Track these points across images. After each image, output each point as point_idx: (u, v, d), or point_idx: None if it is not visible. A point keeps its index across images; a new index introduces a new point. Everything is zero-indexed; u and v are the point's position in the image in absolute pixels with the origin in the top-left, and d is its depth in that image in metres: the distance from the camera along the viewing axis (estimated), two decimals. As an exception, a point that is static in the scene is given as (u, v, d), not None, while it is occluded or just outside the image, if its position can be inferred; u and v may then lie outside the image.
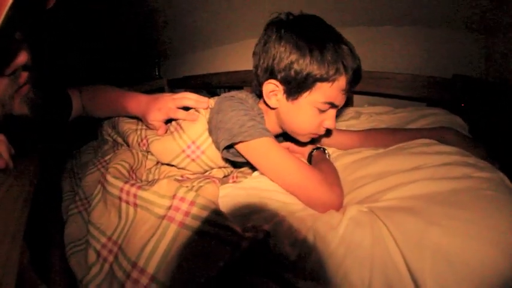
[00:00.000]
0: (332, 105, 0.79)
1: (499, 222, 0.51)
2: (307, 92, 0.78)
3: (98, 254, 0.69)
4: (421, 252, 0.50)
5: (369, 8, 1.39)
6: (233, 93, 0.90)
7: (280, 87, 0.80)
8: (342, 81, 0.76)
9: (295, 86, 0.78)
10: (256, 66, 0.85)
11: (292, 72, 0.76)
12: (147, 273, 0.57)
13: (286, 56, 0.76)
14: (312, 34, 0.76)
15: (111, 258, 0.67)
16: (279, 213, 0.66)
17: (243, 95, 0.90)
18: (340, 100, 0.79)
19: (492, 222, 0.51)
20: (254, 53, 0.85)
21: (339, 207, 0.70)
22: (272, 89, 0.82)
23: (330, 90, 0.76)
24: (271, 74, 0.80)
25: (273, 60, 0.78)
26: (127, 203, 0.71)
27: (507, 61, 1.11)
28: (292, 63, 0.75)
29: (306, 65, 0.74)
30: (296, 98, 0.79)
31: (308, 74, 0.75)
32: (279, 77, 0.79)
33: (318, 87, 0.76)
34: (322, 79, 0.75)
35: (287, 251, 0.57)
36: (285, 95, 0.81)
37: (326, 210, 0.68)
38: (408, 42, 1.42)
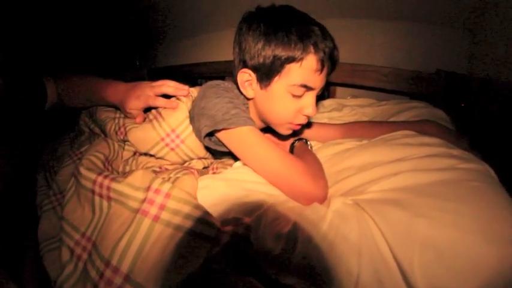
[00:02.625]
0: (306, 87, 0.76)
1: (488, 213, 0.50)
2: (277, 76, 0.75)
3: (72, 251, 0.64)
4: (409, 245, 0.48)
5: (354, 0, 1.39)
6: (218, 81, 0.87)
7: (253, 76, 0.79)
8: (311, 60, 0.73)
9: (266, 72, 0.76)
10: (233, 60, 0.84)
11: (261, 58, 0.75)
12: (121, 272, 0.53)
13: (254, 43, 0.76)
14: (279, 20, 0.75)
15: (85, 256, 0.62)
16: (261, 205, 0.62)
17: (229, 84, 0.87)
18: (314, 82, 0.76)
19: (481, 214, 0.49)
20: (233, 48, 0.84)
21: (323, 199, 0.67)
22: (246, 78, 0.81)
23: (301, 71, 0.73)
24: (243, 63, 0.80)
25: (244, 50, 0.79)
26: (100, 196, 0.66)
27: (490, 57, 1.12)
28: (259, 49, 0.75)
29: (272, 49, 0.73)
30: (268, 84, 0.77)
31: (275, 57, 0.73)
32: (249, 65, 0.78)
33: (287, 69, 0.74)
34: (289, 59, 0.73)
35: (270, 245, 0.53)
36: (258, 84, 0.79)
37: (310, 203, 0.65)
38: (393, 36, 1.43)
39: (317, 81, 0.76)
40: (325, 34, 0.74)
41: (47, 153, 1.10)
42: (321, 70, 0.74)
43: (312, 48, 0.72)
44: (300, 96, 0.77)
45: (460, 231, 0.47)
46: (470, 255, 0.44)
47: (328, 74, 0.79)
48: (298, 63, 0.73)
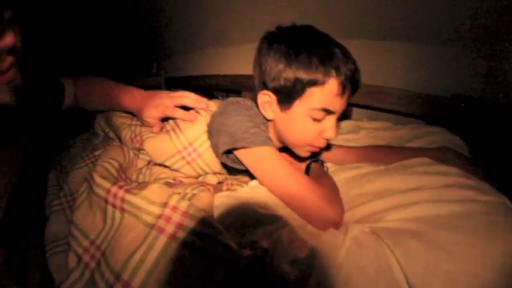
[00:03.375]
0: (327, 111, 0.74)
1: (505, 248, 0.49)
2: (299, 100, 0.74)
3: (79, 258, 0.63)
4: (428, 279, 0.47)
5: (373, 22, 1.39)
6: (239, 99, 0.86)
7: (273, 98, 0.78)
8: (333, 84, 0.71)
9: (286, 95, 0.75)
10: (253, 79, 0.83)
11: (282, 81, 0.74)
12: (132, 287, 0.52)
13: (274, 65, 0.75)
14: (301, 41, 0.74)
15: (92, 264, 0.61)
16: (278, 228, 0.61)
17: (249, 102, 0.86)
18: (335, 106, 0.74)
19: (498, 249, 0.49)
20: (253, 67, 0.83)
21: (339, 224, 0.66)
22: (266, 100, 0.79)
23: (322, 95, 0.72)
24: (264, 85, 0.79)
25: (264, 71, 0.77)
26: (113, 206, 0.65)
27: (506, 83, 1.12)
28: (280, 71, 0.74)
29: (293, 71, 0.72)
30: (289, 108, 0.76)
31: (296, 80, 0.72)
32: (270, 87, 0.76)
33: (308, 93, 0.73)
34: (311, 83, 0.71)
35: (286, 270, 0.52)
36: (278, 106, 0.78)
37: (325, 227, 0.64)
38: (410, 58, 1.43)
39: (338, 104, 0.75)
40: (347, 56, 0.73)
41: (60, 153, 1.10)
42: (343, 94, 0.73)
43: (333, 72, 0.71)
44: (320, 120, 0.76)
45: (480, 268, 0.47)
46: None
47: (350, 97, 0.78)
48: (320, 87, 0.71)
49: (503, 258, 0.47)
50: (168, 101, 0.85)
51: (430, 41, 1.36)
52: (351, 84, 0.74)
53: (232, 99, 0.85)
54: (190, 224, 0.55)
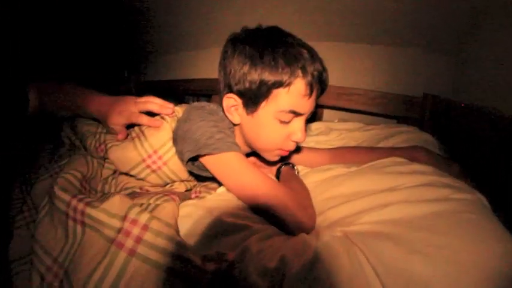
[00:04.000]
0: (295, 113, 0.73)
1: (484, 248, 0.48)
2: (265, 102, 0.72)
3: (42, 278, 0.60)
4: (403, 284, 0.46)
5: (343, 25, 1.42)
6: (204, 103, 0.84)
7: (239, 101, 0.76)
8: (299, 85, 0.70)
9: (252, 98, 0.73)
10: (219, 83, 0.81)
11: (247, 83, 0.72)
12: (93, 308, 0.49)
13: (239, 67, 0.73)
14: (265, 42, 0.72)
15: (56, 284, 0.58)
16: (246, 237, 0.59)
17: (214, 106, 0.84)
18: (303, 107, 0.73)
19: (477, 249, 0.48)
20: (218, 70, 0.81)
21: (311, 229, 0.65)
22: (232, 103, 0.78)
23: (288, 97, 0.71)
24: (229, 88, 0.77)
25: (229, 74, 0.75)
26: (74, 220, 0.62)
27: (475, 82, 1.16)
28: (245, 74, 0.72)
29: (258, 73, 0.70)
30: (255, 110, 0.74)
31: (261, 82, 0.70)
32: (235, 90, 0.75)
33: (274, 94, 0.71)
34: (276, 85, 0.70)
35: (256, 281, 0.50)
36: (244, 109, 0.76)
37: (297, 232, 0.62)
38: (381, 60, 1.48)
39: (306, 106, 0.74)
40: (313, 56, 0.72)
41: (24, 164, 1.05)
42: (310, 94, 0.72)
43: (300, 72, 0.69)
44: (288, 122, 0.74)
45: (457, 269, 0.46)
46: None
47: (318, 98, 0.77)
48: (286, 88, 0.70)
49: (482, 258, 0.47)
50: (133, 107, 0.83)
51: (400, 43, 1.40)
52: (319, 85, 0.73)
53: (197, 104, 0.83)
54: (150, 238, 0.53)
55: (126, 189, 0.81)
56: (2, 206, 0.87)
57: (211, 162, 0.73)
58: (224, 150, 0.70)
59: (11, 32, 1.41)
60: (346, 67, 1.49)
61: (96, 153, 0.83)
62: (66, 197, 0.64)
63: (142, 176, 0.80)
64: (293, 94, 0.70)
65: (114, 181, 0.83)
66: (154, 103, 0.83)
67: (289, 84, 0.70)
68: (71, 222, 0.63)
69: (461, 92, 1.25)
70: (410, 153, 0.84)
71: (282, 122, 0.74)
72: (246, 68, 0.71)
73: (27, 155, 1.09)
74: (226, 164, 0.71)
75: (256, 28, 0.78)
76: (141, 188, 0.81)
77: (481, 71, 1.12)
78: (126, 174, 0.82)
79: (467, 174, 0.78)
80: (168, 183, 0.86)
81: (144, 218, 0.55)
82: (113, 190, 0.82)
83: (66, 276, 0.57)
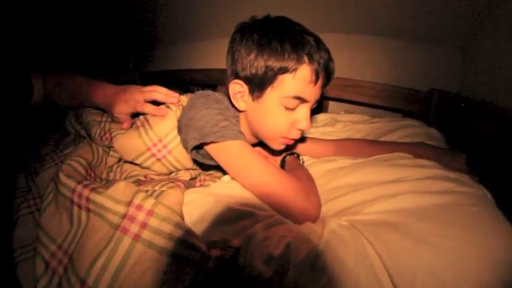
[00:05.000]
0: (300, 99, 0.73)
1: (489, 240, 0.49)
2: (270, 88, 0.72)
3: (47, 264, 0.60)
4: (410, 273, 0.46)
5: (350, 17, 1.41)
6: (209, 92, 0.84)
7: (245, 87, 0.76)
8: (305, 71, 0.70)
9: (258, 83, 0.73)
10: (226, 70, 0.81)
11: (253, 69, 0.72)
12: (96, 294, 0.49)
13: (246, 54, 0.73)
14: (273, 30, 0.72)
15: (60, 270, 0.58)
16: (251, 224, 0.59)
17: (219, 95, 0.84)
18: (308, 94, 0.73)
19: (482, 241, 0.48)
20: (226, 58, 0.81)
21: (316, 218, 0.65)
22: (238, 90, 0.78)
23: (294, 82, 0.71)
24: (235, 74, 0.77)
25: (236, 61, 0.76)
26: (79, 206, 0.62)
27: (483, 77, 1.14)
28: (251, 60, 0.72)
29: (264, 59, 0.71)
30: (260, 96, 0.74)
31: (267, 68, 0.70)
32: (241, 76, 0.75)
33: (280, 80, 0.71)
34: (282, 70, 0.70)
35: (261, 269, 0.50)
36: (250, 95, 0.76)
37: (302, 221, 0.62)
38: (388, 53, 1.46)
39: (311, 93, 0.73)
40: (320, 45, 0.72)
41: (30, 153, 1.06)
42: (316, 82, 0.72)
43: (306, 59, 0.69)
44: (293, 109, 0.74)
45: (463, 260, 0.46)
46: (472, 283, 0.43)
47: (324, 87, 0.76)
48: (292, 74, 0.70)
49: (486, 249, 0.47)
50: (138, 96, 0.82)
51: (408, 37, 1.38)
52: (325, 73, 0.73)
53: (202, 92, 0.82)
54: (155, 223, 0.53)
55: (131, 177, 0.81)
56: (7, 195, 0.87)
57: (216, 150, 0.72)
58: (229, 138, 0.70)
59: (15, 22, 1.41)
60: (353, 59, 1.48)
61: (101, 141, 0.83)
62: (71, 183, 0.64)
63: (147, 164, 0.79)
64: (299, 80, 0.70)
65: (119, 169, 0.83)
66: (159, 92, 0.83)
67: (295, 70, 0.70)
68: (75, 209, 0.62)
69: (469, 87, 1.23)
70: (414, 150, 0.83)
71: (287, 108, 0.73)
72: (253, 55, 0.72)
73: (32, 144, 1.10)
74: (231, 152, 0.71)
75: (265, 17, 0.78)
76: (145, 177, 0.81)
77: (489, 66, 1.10)
78: (131, 162, 0.82)
79: (473, 170, 0.78)
80: (172, 172, 0.85)
81: (149, 203, 0.55)
82: (117, 178, 0.82)
83: (70, 262, 0.57)
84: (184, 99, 0.84)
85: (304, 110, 0.75)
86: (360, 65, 1.49)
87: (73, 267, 0.55)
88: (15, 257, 0.68)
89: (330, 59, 0.73)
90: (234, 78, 0.77)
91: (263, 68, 0.71)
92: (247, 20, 0.79)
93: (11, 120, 0.92)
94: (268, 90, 0.73)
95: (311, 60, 0.70)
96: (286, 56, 0.69)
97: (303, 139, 0.93)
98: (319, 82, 0.73)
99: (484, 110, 0.97)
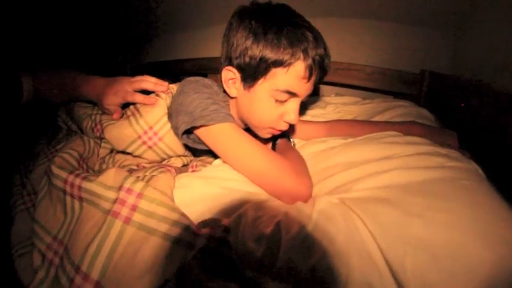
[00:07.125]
0: (290, 93, 0.72)
1: (481, 213, 0.48)
2: (262, 79, 0.72)
3: (43, 256, 0.60)
4: (401, 246, 0.46)
5: (341, 0, 1.40)
6: (199, 78, 0.83)
7: (237, 75, 0.75)
8: (299, 67, 0.69)
9: (250, 73, 0.72)
10: (221, 55, 0.80)
11: (247, 58, 0.71)
12: (91, 279, 0.49)
13: (242, 42, 0.72)
14: (272, 20, 0.71)
15: (56, 260, 0.58)
16: (242, 205, 0.59)
17: (209, 81, 0.83)
18: (299, 89, 0.72)
19: (474, 214, 0.48)
20: (221, 42, 0.80)
21: (308, 198, 0.64)
22: (230, 76, 0.77)
23: (286, 77, 0.70)
24: (229, 61, 0.76)
25: (231, 47, 0.75)
26: (72, 196, 0.62)
27: (474, 58, 1.15)
28: (246, 48, 0.71)
29: (259, 49, 0.69)
30: (252, 86, 0.74)
31: (261, 59, 0.69)
32: (235, 63, 0.74)
33: (272, 73, 0.70)
34: (276, 64, 0.69)
35: (251, 247, 0.50)
36: (242, 83, 0.75)
37: (294, 201, 0.62)
38: (378, 36, 1.45)
39: (303, 88, 0.73)
40: (318, 41, 0.71)
41: (23, 151, 1.06)
42: (309, 78, 0.71)
43: (301, 55, 0.68)
44: (283, 102, 0.74)
45: (455, 232, 0.45)
46: (466, 257, 0.42)
47: (317, 83, 0.76)
48: (285, 69, 0.69)
49: (479, 222, 0.46)
50: (127, 86, 0.82)
51: (399, 19, 1.37)
52: (319, 70, 0.72)
53: (191, 78, 0.82)
54: (145, 205, 0.53)
55: (124, 167, 0.81)
56: (4, 193, 0.88)
57: (206, 134, 0.72)
58: (219, 121, 0.69)
59: (2, 19, 1.40)
60: (343, 42, 1.47)
61: (92, 134, 0.83)
62: (63, 174, 0.64)
63: (138, 152, 0.79)
64: (291, 75, 0.70)
65: (111, 160, 0.83)
66: (148, 81, 0.83)
67: (288, 65, 0.69)
68: (68, 199, 0.63)
69: (460, 68, 1.23)
70: (406, 128, 0.83)
71: (277, 101, 0.73)
72: (248, 43, 0.70)
73: (25, 142, 1.09)
74: (221, 134, 0.71)
75: (266, 4, 0.76)
76: (138, 166, 0.81)
77: (480, 48, 1.11)
78: (123, 152, 0.82)
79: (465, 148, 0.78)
80: (164, 159, 0.85)
81: (138, 186, 0.55)
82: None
83: (65, 251, 0.57)
84: (174, 87, 0.84)
85: (294, 103, 0.75)
86: (349, 48, 1.48)
87: (68, 256, 0.55)
88: (13, 253, 0.68)
89: (326, 56, 0.73)
90: (228, 65, 0.76)
91: (257, 59, 0.70)
92: (247, 4, 0.77)
93: (3, 120, 0.92)
94: (260, 81, 0.72)
95: (306, 56, 0.69)
96: (282, 49, 0.68)
97: (292, 128, 0.92)
98: (312, 78, 0.72)
99: (474, 89, 0.97)
